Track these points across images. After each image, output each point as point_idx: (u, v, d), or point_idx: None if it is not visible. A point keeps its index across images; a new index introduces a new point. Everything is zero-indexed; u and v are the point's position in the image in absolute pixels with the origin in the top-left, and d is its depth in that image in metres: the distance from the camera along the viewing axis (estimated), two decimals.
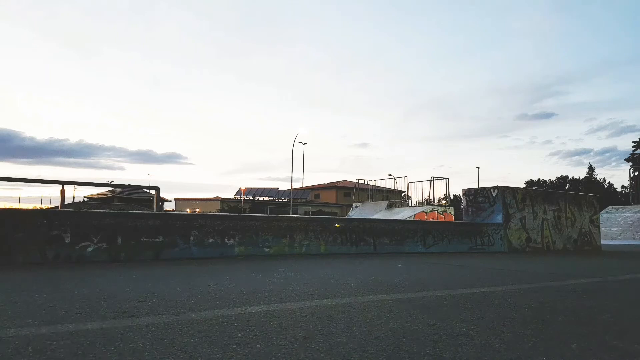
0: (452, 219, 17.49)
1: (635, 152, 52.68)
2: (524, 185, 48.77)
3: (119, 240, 3.62)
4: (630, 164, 45.55)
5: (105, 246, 3.54)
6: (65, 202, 11.49)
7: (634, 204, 13.23)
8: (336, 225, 4.87)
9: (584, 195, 7.77)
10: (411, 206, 20.36)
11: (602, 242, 7.92)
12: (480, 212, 6.43)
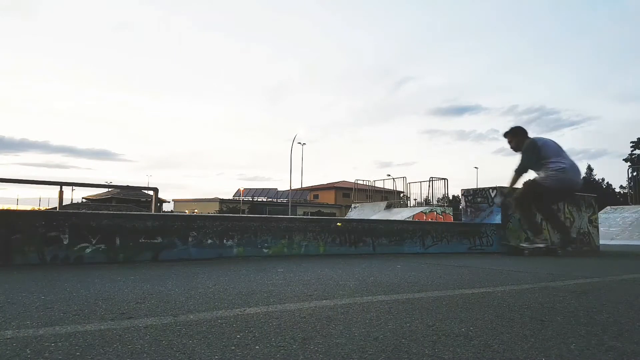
0: (450, 219, 17.52)
1: (634, 152, 52.79)
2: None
3: (118, 242, 3.61)
4: (629, 164, 45.67)
5: (103, 247, 3.53)
6: (64, 204, 11.46)
7: (633, 204, 13.25)
8: (338, 224, 4.86)
9: (583, 195, 7.77)
10: (410, 207, 20.38)
11: (601, 242, 7.93)
12: (479, 212, 6.43)
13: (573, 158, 4.98)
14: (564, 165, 4.79)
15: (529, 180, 4.99)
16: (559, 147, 4.97)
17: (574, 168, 4.92)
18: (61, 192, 8.39)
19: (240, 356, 1.15)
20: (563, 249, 5.55)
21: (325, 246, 4.68)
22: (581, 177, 5.11)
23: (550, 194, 4.90)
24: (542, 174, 4.89)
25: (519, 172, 4.95)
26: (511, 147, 5.07)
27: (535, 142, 4.89)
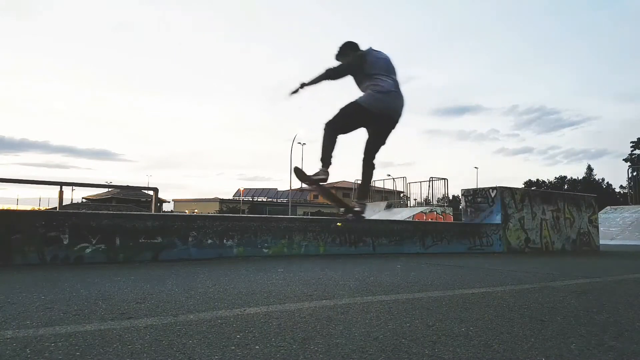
0: (451, 219, 17.53)
1: (634, 152, 52.83)
2: (523, 186, 48.85)
3: (118, 242, 3.61)
4: (629, 164, 45.71)
5: (103, 247, 3.53)
6: (64, 204, 11.47)
7: (633, 204, 13.26)
8: (338, 224, 4.86)
9: (583, 195, 7.78)
10: (410, 207, 20.37)
11: (601, 242, 7.94)
12: (479, 212, 6.44)
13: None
14: (388, 87, 4.18)
15: (349, 102, 4.28)
16: (391, 66, 4.35)
17: (399, 94, 4.29)
18: (61, 192, 8.39)
19: (240, 356, 1.15)
20: (350, 214, 4.64)
21: (325, 246, 4.68)
22: (403, 108, 4.37)
23: (365, 114, 4.19)
24: (362, 92, 4.26)
25: (329, 72, 4.21)
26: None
27: (365, 51, 4.27)
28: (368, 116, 4.24)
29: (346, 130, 4.38)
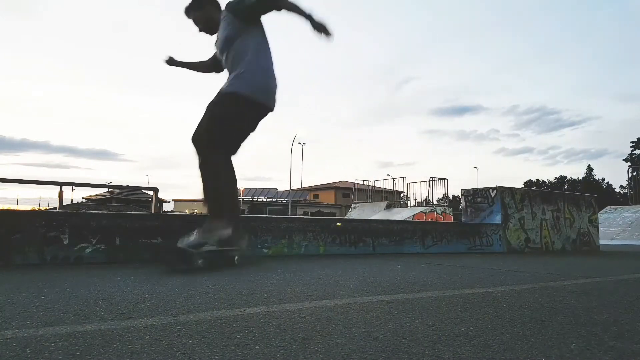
0: (451, 219, 17.54)
1: (634, 152, 52.85)
2: (523, 186, 48.87)
3: (118, 242, 3.61)
4: (629, 164, 45.71)
5: (103, 247, 3.53)
6: (64, 204, 11.47)
7: (633, 204, 13.26)
8: (338, 224, 4.87)
9: (583, 195, 7.78)
10: (410, 207, 20.39)
11: (601, 242, 7.94)
12: (479, 212, 6.44)
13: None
14: (270, 67, 3.12)
15: (225, 98, 2.97)
16: None
17: (275, 81, 3.17)
18: (61, 192, 8.40)
19: (240, 356, 1.15)
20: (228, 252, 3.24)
21: (325, 246, 4.68)
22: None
23: (253, 110, 3.00)
24: (233, 74, 3.00)
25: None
26: (200, 29, 3.29)
27: None
28: (255, 111, 3.03)
29: (237, 145, 3.07)
